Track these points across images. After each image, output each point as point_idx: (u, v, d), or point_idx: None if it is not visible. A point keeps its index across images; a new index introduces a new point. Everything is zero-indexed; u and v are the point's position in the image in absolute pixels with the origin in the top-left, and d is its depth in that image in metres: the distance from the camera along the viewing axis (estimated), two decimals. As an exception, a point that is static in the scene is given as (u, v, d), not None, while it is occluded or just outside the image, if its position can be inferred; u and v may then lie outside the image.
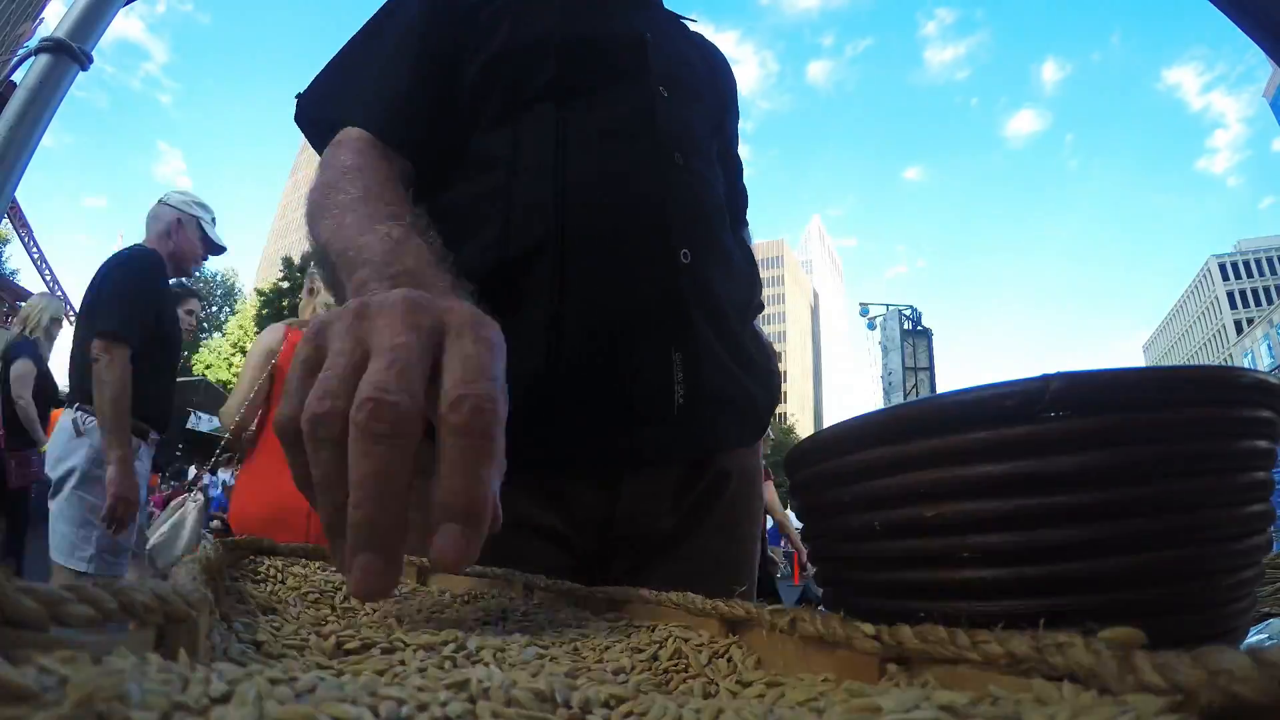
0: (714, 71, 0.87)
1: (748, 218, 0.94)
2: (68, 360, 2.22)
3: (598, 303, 0.63)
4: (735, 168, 0.89)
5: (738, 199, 0.89)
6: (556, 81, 0.68)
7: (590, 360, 0.62)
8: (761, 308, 0.85)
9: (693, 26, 0.89)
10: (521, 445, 0.62)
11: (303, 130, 0.71)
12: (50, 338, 3.11)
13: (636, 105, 0.70)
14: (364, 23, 0.73)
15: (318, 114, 0.68)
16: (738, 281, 0.75)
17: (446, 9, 0.70)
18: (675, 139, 0.70)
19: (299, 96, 0.72)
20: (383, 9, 0.74)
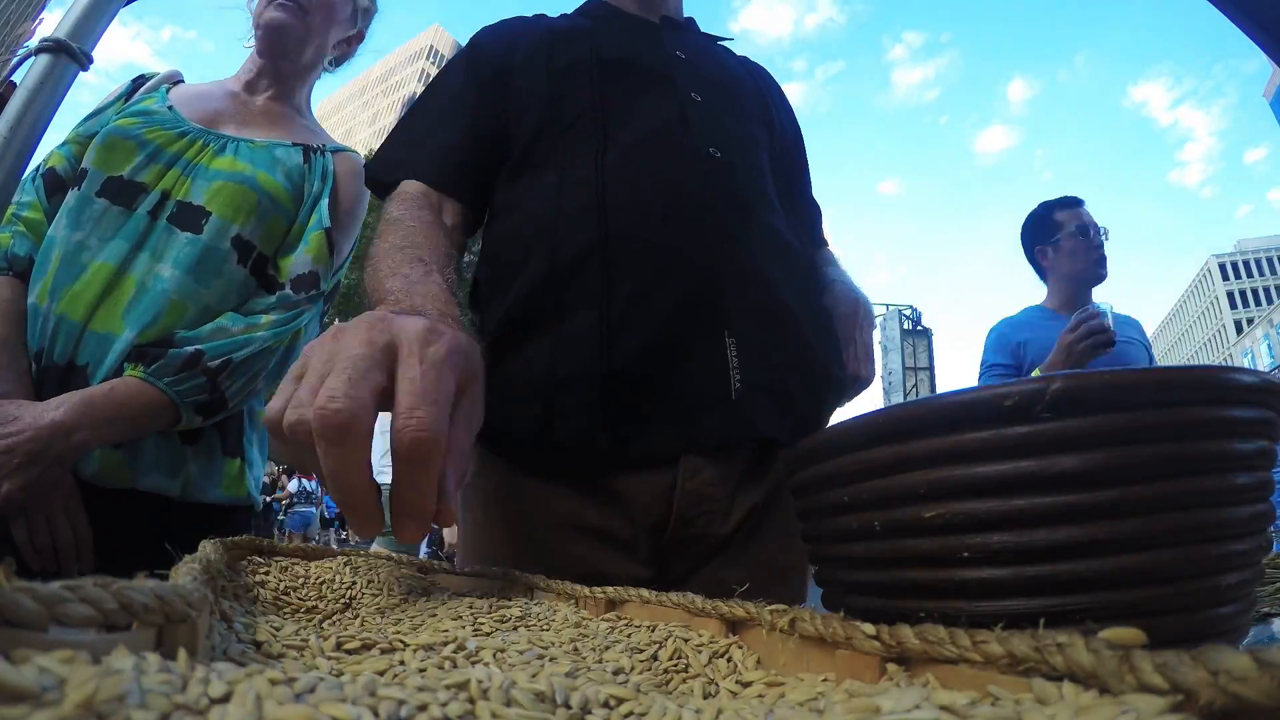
0: (757, 81, 0.89)
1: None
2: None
3: (646, 300, 0.65)
4: (798, 178, 0.88)
5: (808, 209, 0.88)
6: (594, 101, 0.73)
7: (645, 355, 0.64)
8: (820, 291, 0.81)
9: (730, 45, 0.92)
10: (584, 444, 0.64)
11: (372, 191, 0.79)
12: None
13: (670, 113, 0.73)
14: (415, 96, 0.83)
15: (379, 176, 0.76)
16: (794, 268, 0.74)
17: (486, 72, 0.77)
18: (710, 137, 0.72)
19: (365, 165, 0.81)
20: (429, 83, 0.82)
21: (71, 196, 0.83)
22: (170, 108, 0.91)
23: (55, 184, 0.86)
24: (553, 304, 0.66)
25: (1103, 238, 1.74)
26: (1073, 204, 1.79)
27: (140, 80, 0.97)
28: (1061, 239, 1.76)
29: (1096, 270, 1.73)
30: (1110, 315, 1.39)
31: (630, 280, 0.65)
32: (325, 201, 0.91)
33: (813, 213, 0.90)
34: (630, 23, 0.84)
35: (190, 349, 0.77)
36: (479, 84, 0.77)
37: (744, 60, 0.92)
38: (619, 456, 0.65)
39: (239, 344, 0.80)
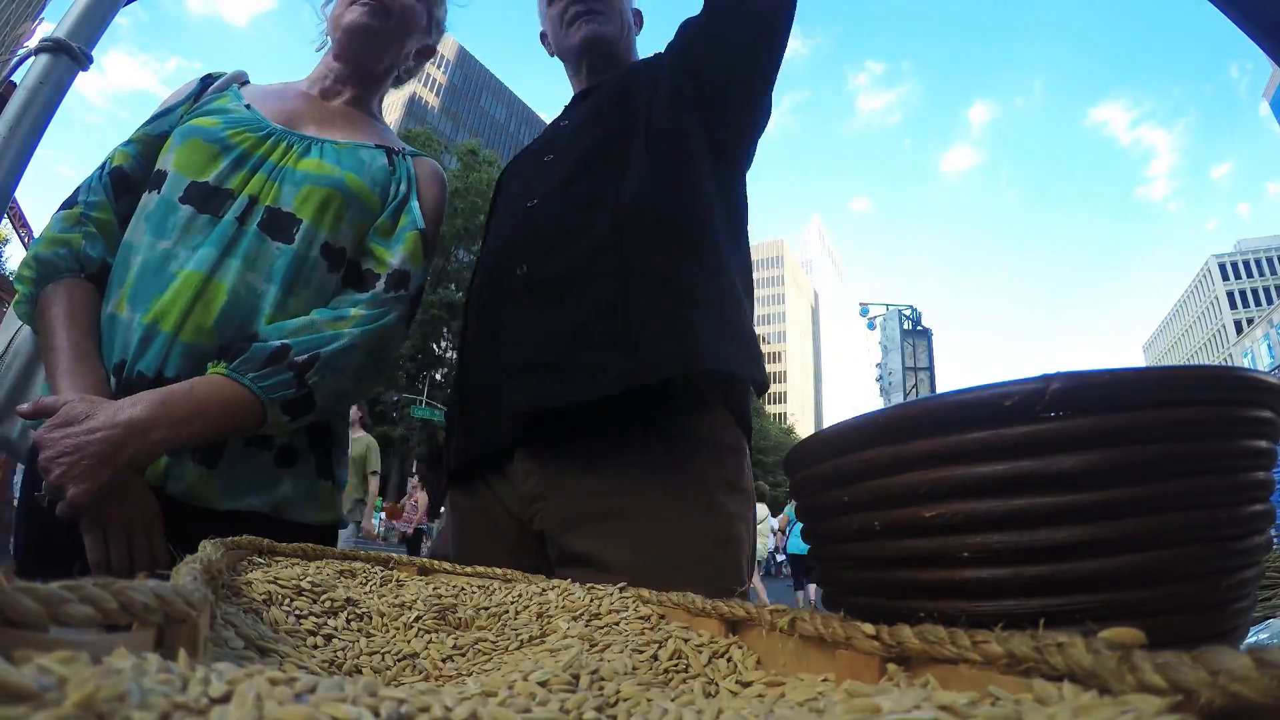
0: (645, 83, 0.95)
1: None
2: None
3: (472, 327, 0.91)
4: (674, 59, 0.93)
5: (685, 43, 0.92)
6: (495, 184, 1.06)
7: (474, 369, 0.88)
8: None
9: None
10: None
11: None
12: None
13: (521, 184, 0.95)
14: None
15: None
16: (570, 286, 0.81)
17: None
18: (535, 191, 0.90)
19: None
20: None
21: (151, 201, 0.79)
22: (248, 106, 0.87)
23: (124, 184, 0.82)
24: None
25: None
26: None
27: (209, 80, 0.93)
28: None
29: None
30: None
31: (473, 307, 0.92)
32: (415, 203, 0.89)
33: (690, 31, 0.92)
34: (563, 111, 1.05)
35: (276, 343, 0.72)
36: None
37: (648, 64, 0.99)
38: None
39: (327, 338, 0.75)
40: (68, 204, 0.81)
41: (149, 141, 0.85)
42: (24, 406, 0.67)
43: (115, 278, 0.77)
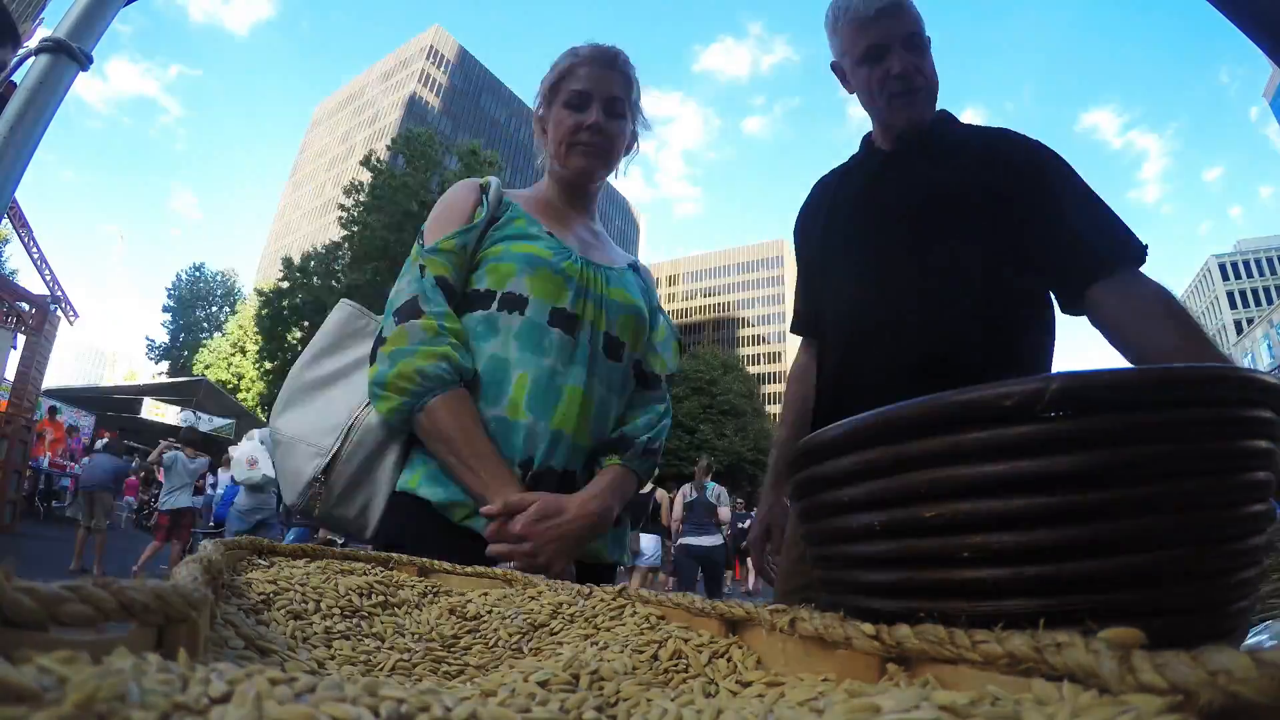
0: (991, 162, 1.03)
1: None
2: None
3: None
4: (1027, 222, 0.98)
5: (1060, 242, 0.96)
6: (818, 269, 1.21)
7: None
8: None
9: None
10: None
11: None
12: None
13: (868, 286, 1.10)
14: None
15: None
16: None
17: (802, 253, 1.25)
18: (890, 288, 1.06)
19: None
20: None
21: (514, 321, 0.94)
22: (550, 234, 1.02)
23: (450, 293, 0.95)
24: None
25: None
26: None
27: (483, 188, 1.05)
28: None
29: None
30: None
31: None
32: (663, 314, 1.11)
33: (1071, 240, 0.96)
34: (870, 168, 1.11)
35: (644, 438, 0.99)
36: (800, 260, 1.24)
37: (988, 146, 1.04)
38: None
39: (661, 430, 1.03)
40: (406, 313, 0.91)
41: (460, 254, 0.97)
42: (492, 506, 0.84)
43: (492, 383, 0.93)
